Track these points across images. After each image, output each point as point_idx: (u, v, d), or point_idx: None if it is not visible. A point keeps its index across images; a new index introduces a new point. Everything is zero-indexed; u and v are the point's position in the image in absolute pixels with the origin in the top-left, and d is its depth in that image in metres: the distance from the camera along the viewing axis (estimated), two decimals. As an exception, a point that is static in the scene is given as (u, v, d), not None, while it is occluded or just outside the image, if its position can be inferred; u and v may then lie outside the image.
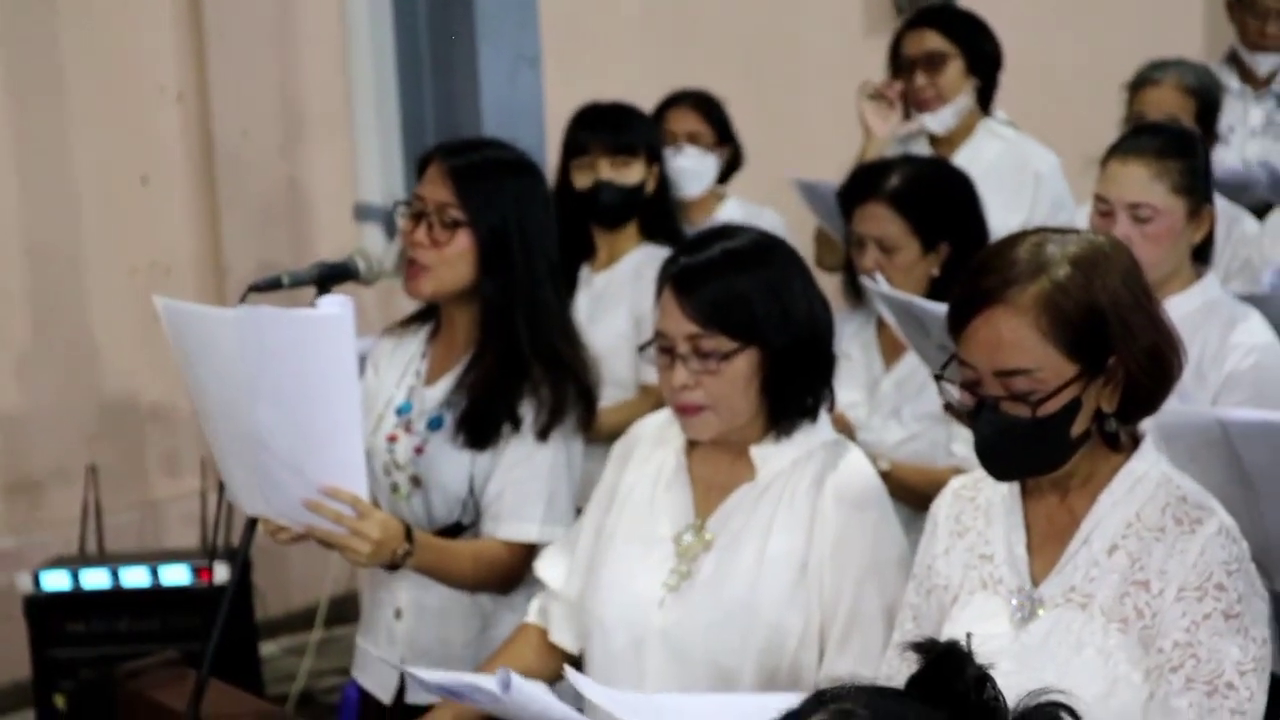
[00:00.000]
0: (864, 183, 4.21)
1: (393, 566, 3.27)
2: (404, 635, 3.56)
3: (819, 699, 1.53)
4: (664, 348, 3.00)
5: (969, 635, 1.59)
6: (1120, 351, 2.54)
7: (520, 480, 3.46)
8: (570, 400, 3.48)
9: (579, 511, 3.40)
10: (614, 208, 4.78)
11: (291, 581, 6.10)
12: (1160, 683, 2.51)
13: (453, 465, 3.48)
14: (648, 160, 4.79)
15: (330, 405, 2.99)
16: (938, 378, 2.66)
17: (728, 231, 3.11)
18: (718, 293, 2.95)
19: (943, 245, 4.06)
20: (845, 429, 3.83)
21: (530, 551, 3.43)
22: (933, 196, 4.12)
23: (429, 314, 3.68)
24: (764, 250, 3.04)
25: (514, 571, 3.45)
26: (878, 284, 3.87)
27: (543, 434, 3.45)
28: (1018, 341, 2.52)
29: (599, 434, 3.68)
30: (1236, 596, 2.53)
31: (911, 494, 3.81)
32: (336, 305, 2.96)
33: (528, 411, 3.45)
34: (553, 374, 3.47)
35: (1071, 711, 1.53)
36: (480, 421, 3.47)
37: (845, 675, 2.94)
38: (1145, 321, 2.57)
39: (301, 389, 2.98)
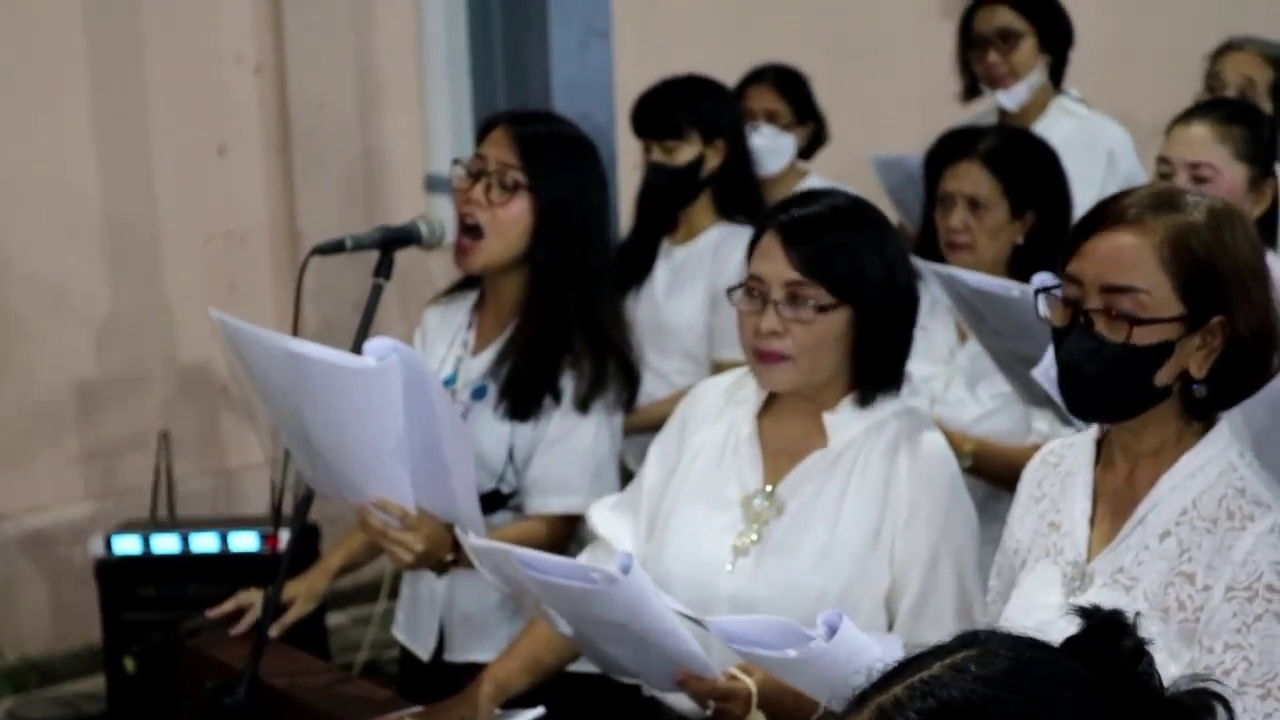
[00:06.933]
0: (958, 142, 4.23)
1: (440, 570, 3.30)
2: (444, 593, 3.58)
3: (973, 637, 1.52)
4: (755, 291, 2.98)
5: (1136, 615, 1.56)
6: (1229, 314, 2.50)
7: (564, 454, 3.46)
8: (611, 373, 3.47)
9: (626, 479, 3.40)
10: (661, 189, 4.76)
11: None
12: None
13: (493, 434, 3.48)
14: (704, 137, 4.74)
15: (375, 437, 3.06)
16: (1037, 293, 2.60)
17: (829, 192, 3.13)
18: (827, 244, 2.95)
19: (1029, 213, 4.05)
20: None
21: (574, 523, 3.43)
22: (1026, 161, 4.14)
23: (474, 281, 3.68)
24: (869, 211, 3.07)
25: (559, 546, 3.45)
26: (932, 265, 3.84)
27: (583, 405, 3.45)
28: (1136, 261, 2.49)
29: (648, 425, 3.68)
30: None
31: (996, 478, 3.78)
32: (382, 351, 2.98)
33: (568, 383, 3.45)
34: (595, 346, 3.46)
35: (1226, 705, 1.50)
36: (521, 392, 3.47)
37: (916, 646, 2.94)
38: (1261, 297, 2.54)
39: (345, 424, 3.06)
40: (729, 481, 3.08)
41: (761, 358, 2.98)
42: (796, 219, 2.98)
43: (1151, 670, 1.50)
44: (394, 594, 3.83)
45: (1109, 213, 2.56)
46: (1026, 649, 1.51)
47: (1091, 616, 1.53)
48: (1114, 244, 2.52)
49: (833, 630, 2.45)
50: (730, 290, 3.05)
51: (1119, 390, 2.54)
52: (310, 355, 3.00)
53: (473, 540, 3.02)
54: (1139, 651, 1.50)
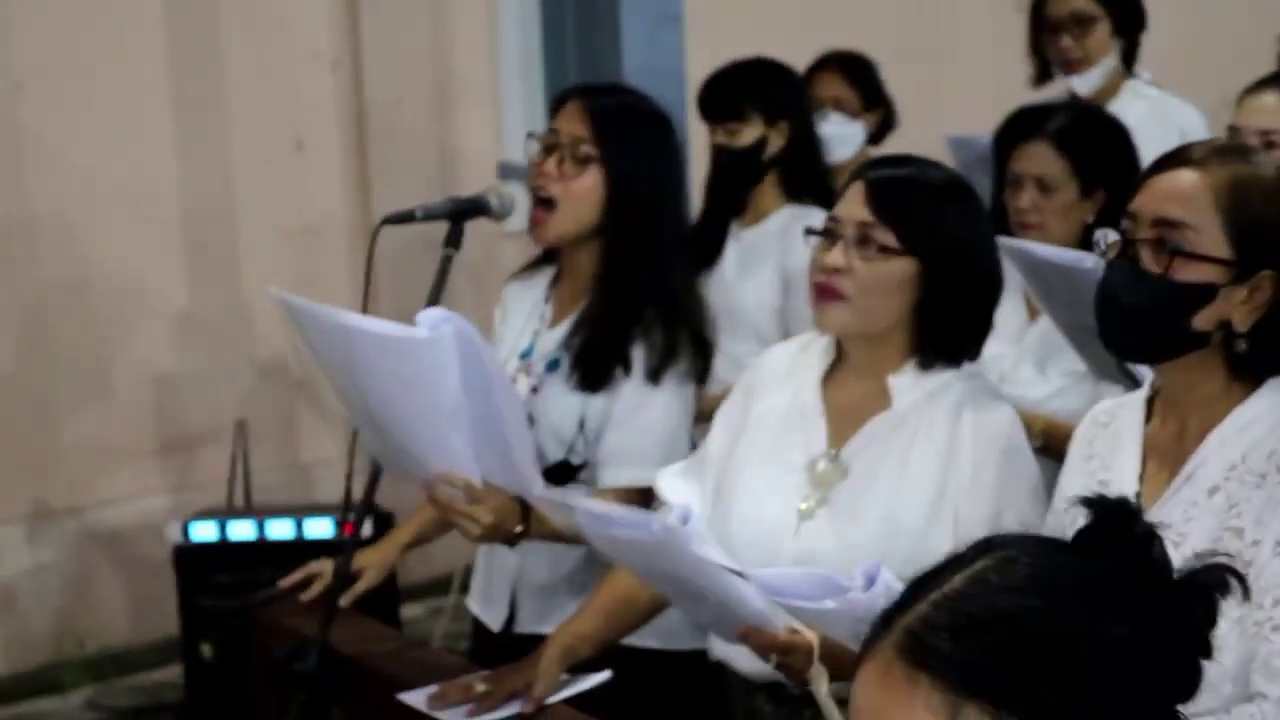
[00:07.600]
0: (1027, 122, 4.18)
1: (509, 542, 3.31)
2: (516, 562, 3.59)
3: (987, 544, 1.52)
4: (830, 230, 3.01)
5: (1137, 494, 1.56)
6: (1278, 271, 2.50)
7: (637, 427, 3.45)
8: (683, 344, 3.46)
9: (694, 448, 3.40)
10: (727, 171, 4.77)
11: (434, 545, 6.16)
12: (1261, 641, 2.43)
13: (564, 406, 3.49)
14: (767, 119, 4.73)
15: (431, 409, 3.08)
16: (1093, 226, 2.58)
17: (931, 162, 3.15)
18: (907, 194, 2.99)
19: (1100, 192, 4.00)
20: None
21: (648, 495, 3.44)
22: (1096, 140, 4.09)
23: (553, 256, 3.70)
24: (964, 187, 3.09)
25: None
26: (1004, 240, 3.82)
27: (654, 376, 3.44)
28: (1192, 198, 2.50)
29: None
30: None
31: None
32: (434, 321, 3.00)
33: (639, 354, 3.45)
34: (666, 318, 3.46)
35: (1238, 575, 1.50)
36: (592, 363, 3.47)
37: None
38: None
39: (403, 396, 3.08)
40: (794, 446, 3.08)
41: (820, 293, 2.99)
42: (886, 173, 3.03)
43: (1164, 553, 1.51)
44: (465, 587, 3.85)
45: (1176, 156, 2.57)
46: (1043, 551, 1.52)
47: (1099, 506, 1.53)
48: (1173, 181, 2.53)
49: (871, 580, 2.44)
50: (808, 231, 3.07)
51: (1153, 326, 2.53)
52: (363, 328, 3.03)
53: (540, 492, 3.04)
54: (1150, 535, 1.51)
